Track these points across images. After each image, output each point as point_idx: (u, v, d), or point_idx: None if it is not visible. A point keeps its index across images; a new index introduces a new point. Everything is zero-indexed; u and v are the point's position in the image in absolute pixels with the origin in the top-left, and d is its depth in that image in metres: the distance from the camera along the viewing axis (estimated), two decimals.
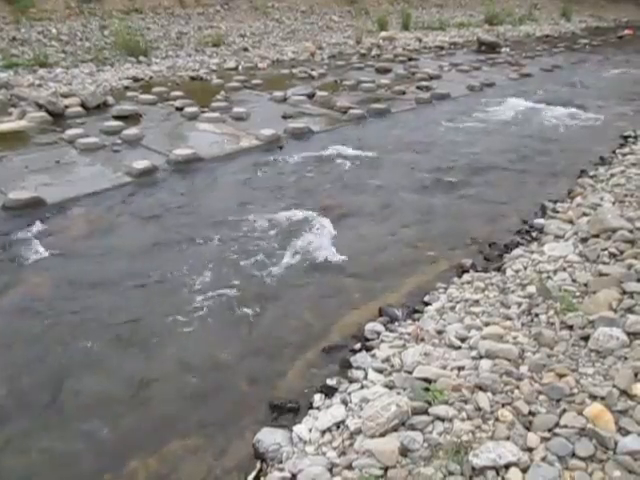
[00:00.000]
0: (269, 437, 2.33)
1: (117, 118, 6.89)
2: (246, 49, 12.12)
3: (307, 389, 2.68)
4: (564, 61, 12.35)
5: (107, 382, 2.76)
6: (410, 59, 11.96)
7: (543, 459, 1.87)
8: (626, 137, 6.65)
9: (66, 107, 7.11)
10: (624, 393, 2.08)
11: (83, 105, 7.28)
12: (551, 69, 11.36)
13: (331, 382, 2.64)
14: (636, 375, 2.14)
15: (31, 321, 3.21)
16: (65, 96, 7.52)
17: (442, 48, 13.85)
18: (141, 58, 10.43)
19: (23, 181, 5.03)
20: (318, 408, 2.49)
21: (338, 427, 2.30)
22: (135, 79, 9.20)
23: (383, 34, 14.37)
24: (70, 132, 6.20)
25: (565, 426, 1.98)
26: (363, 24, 15.61)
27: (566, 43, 15.20)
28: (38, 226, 4.24)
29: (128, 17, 12.13)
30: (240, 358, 2.94)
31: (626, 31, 17.73)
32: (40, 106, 6.97)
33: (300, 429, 2.34)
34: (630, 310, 2.59)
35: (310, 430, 2.32)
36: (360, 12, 16.73)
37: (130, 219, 4.46)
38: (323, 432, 2.29)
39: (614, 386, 2.11)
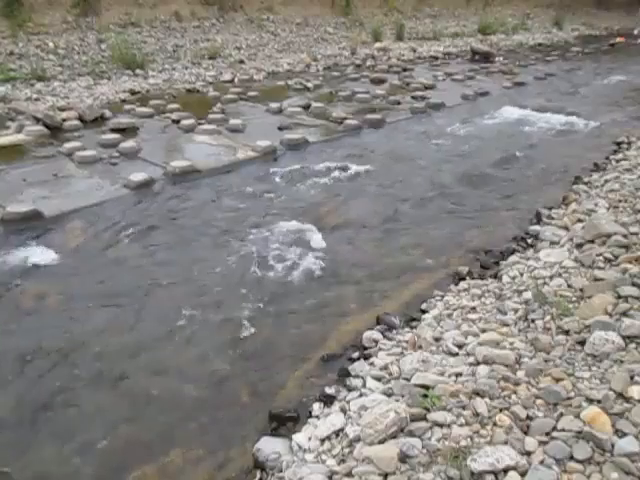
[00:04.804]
0: (269, 446, 2.34)
1: (114, 131, 6.92)
2: (242, 61, 12.19)
3: (306, 398, 2.69)
4: (557, 69, 12.45)
5: (107, 393, 2.76)
6: (405, 69, 12.04)
7: (541, 462, 1.88)
8: (619, 143, 6.70)
9: (63, 120, 7.14)
10: (620, 396, 2.10)
11: (80, 118, 7.32)
12: (544, 77, 11.46)
13: (330, 391, 2.66)
14: (632, 378, 2.16)
15: (26, 333, 3.22)
16: (62, 109, 7.55)
17: (436, 58, 13.95)
18: (138, 71, 10.48)
19: (21, 194, 5.04)
20: (317, 417, 2.50)
21: (337, 435, 2.31)
22: (132, 92, 9.24)
23: (377, 45, 14.48)
24: (68, 145, 6.23)
25: (562, 429, 1.99)
26: (358, 35, 15.73)
27: (559, 51, 15.31)
28: (36, 239, 4.26)
29: (125, 31, 12.22)
30: (239, 368, 2.95)
31: (618, 39, 17.88)
32: (38, 120, 7.00)
33: (299, 438, 2.35)
34: (625, 314, 2.61)
35: (309, 438, 2.33)
36: (354, 23, 16.86)
37: (128, 231, 4.47)
38: (322, 440, 2.30)
39: (610, 389, 2.13)
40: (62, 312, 3.43)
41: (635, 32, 19.78)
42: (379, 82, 10.63)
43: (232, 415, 2.64)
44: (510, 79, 11.08)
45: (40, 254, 4.06)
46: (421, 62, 13.35)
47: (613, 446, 1.88)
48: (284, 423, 2.54)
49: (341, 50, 14.02)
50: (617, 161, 5.84)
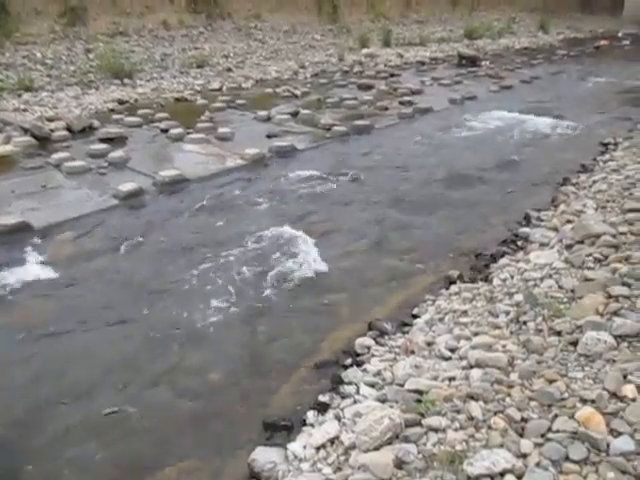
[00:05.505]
0: (264, 456, 2.32)
1: (103, 141, 6.90)
2: (230, 69, 12.21)
3: (300, 406, 2.67)
4: (543, 72, 12.57)
5: (101, 406, 2.73)
6: (392, 75, 12.10)
7: (537, 464, 1.88)
8: (606, 144, 6.76)
9: (52, 131, 7.11)
10: (614, 395, 2.10)
11: (69, 129, 7.29)
12: (530, 80, 11.56)
13: (324, 398, 2.64)
14: (625, 377, 2.16)
15: (16, 347, 3.18)
16: (51, 120, 7.52)
17: (423, 63, 14.03)
18: (126, 80, 10.47)
19: (9, 206, 5.00)
20: (312, 425, 2.48)
21: (332, 443, 2.29)
22: (120, 102, 9.22)
23: (365, 51, 14.55)
24: (56, 156, 6.19)
25: (557, 430, 1.99)
26: (345, 42, 15.81)
27: (545, 55, 15.48)
28: (25, 251, 4.22)
29: (113, 40, 12.20)
30: (232, 378, 2.93)
31: (602, 41, 18.11)
32: (26, 130, 6.96)
33: (295, 446, 2.33)
34: (616, 313, 2.62)
35: (305, 447, 2.31)
36: (342, 30, 16.95)
37: (117, 242, 4.44)
38: (318, 448, 2.28)
39: (604, 389, 2.13)
40: (49, 325, 3.39)
41: (619, 34, 20.04)
42: (367, 88, 10.66)
43: (226, 425, 2.62)
44: (497, 83, 11.17)
45: (28, 266, 4.02)
46: (408, 67, 13.43)
47: (608, 446, 1.88)
48: (279, 432, 2.52)
49: (329, 57, 14.08)
50: (604, 162, 5.88)
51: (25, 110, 8.23)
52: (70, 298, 3.68)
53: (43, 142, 6.84)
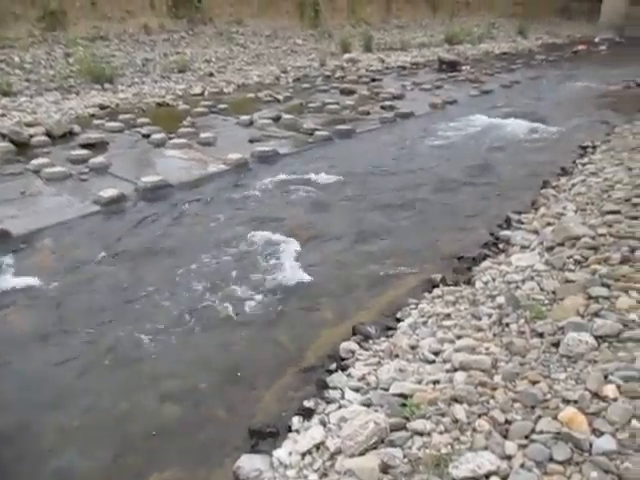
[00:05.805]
0: (249, 463, 2.30)
1: (83, 146, 6.82)
2: (212, 74, 12.16)
3: (285, 412, 2.66)
4: (522, 77, 12.73)
5: (82, 415, 2.69)
6: (373, 80, 12.16)
7: (522, 466, 1.89)
8: (585, 148, 6.85)
9: (31, 136, 7.01)
10: (595, 395, 2.12)
11: (48, 134, 7.19)
12: (510, 85, 11.70)
13: (308, 404, 2.63)
14: (606, 377, 2.19)
15: None
16: (30, 125, 7.40)
17: (404, 68, 14.12)
18: (107, 85, 10.37)
19: None
20: (297, 431, 2.47)
21: (318, 448, 2.28)
22: (101, 107, 9.12)
23: (346, 56, 14.60)
24: (35, 162, 6.09)
25: (541, 432, 2.00)
26: (327, 47, 15.85)
27: (524, 59, 15.68)
28: (3, 259, 4.14)
29: (93, 44, 12.06)
30: (216, 385, 2.91)
31: (580, 46, 18.41)
32: (4, 136, 6.85)
33: (280, 453, 2.32)
34: (597, 314, 2.66)
35: (290, 453, 2.30)
36: (323, 35, 16.99)
37: (98, 249, 4.38)
38: (303, 455, 2.26)
39: (586, 389, 2.16)
40: (28, 335, 3.33)
41: (596, 40, 20.41)
42: (348, 93, 10.69)
43: (211, 433, 2.59)
44: (477, 87, 11.29)
45: (6, 274, 3.95)
46: (390, 72, 13.50)
47: (591, 445, 1.90)
48: (264, 439, 2.50)
49: (311, 62, 14.10)
50: (583, 165, 5.96)
51: (3, 115, 8.09)
52: (49, 304, 3.62)
53: (22, 148, 6.74)
